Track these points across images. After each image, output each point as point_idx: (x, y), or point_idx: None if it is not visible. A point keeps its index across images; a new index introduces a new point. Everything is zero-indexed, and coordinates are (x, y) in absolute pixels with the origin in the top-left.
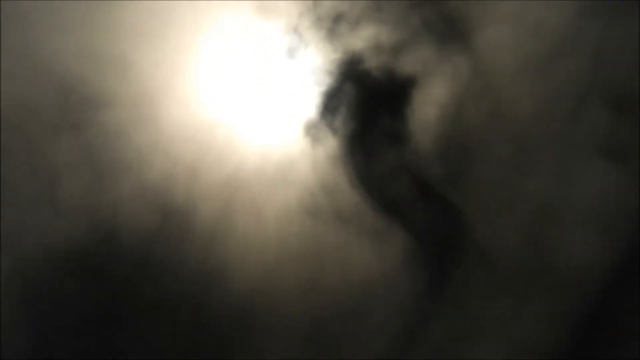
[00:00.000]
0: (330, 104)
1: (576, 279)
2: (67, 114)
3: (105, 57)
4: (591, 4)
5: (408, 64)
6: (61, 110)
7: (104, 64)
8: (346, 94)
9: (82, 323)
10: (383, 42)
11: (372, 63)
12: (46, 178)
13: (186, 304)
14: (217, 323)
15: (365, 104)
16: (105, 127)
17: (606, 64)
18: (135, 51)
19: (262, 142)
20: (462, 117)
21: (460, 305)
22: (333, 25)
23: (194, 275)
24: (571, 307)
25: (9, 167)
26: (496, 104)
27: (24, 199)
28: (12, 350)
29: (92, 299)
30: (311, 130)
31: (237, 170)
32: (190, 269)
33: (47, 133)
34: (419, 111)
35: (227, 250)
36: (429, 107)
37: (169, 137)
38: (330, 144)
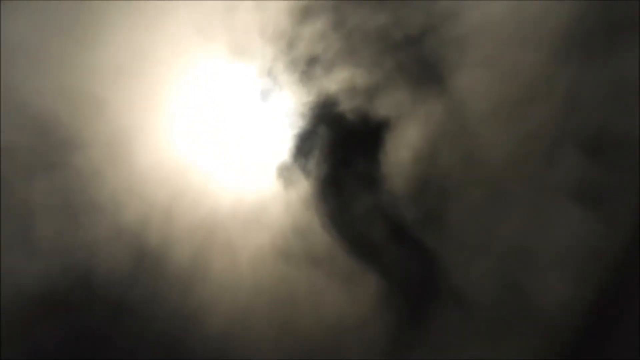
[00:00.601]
0: (304, 146)
1: (551, 321)
2: (42, 155)
3: (81, 97)
4: (565, 49)
5: (382, 107)
6: (36, 151)
7: (80, 104)
8: (320, 137)
9: None
10: (357, 85)
11: (346, 106)
12: (21, 219)
13: (162, 345)
14: None
15: (338, 146)
16: (81, 168)
17: (580, 108)
18: (110, 92)
19: (236, 185)
20: (436, 160)
21: (434, 348)
22: (307, 67)
23: (169, 317)
24: (546, 350)
25: None
26: (470, 148)
27: None
28: None
29: (67, 341)
30: (284, 173)
31: (211, 212)
32: (165, 311)
33: (23, 174)
34: (393, 154)
35: (202, 292)
36: (402, 150)
37: (144, 179)
38: (303, 186)
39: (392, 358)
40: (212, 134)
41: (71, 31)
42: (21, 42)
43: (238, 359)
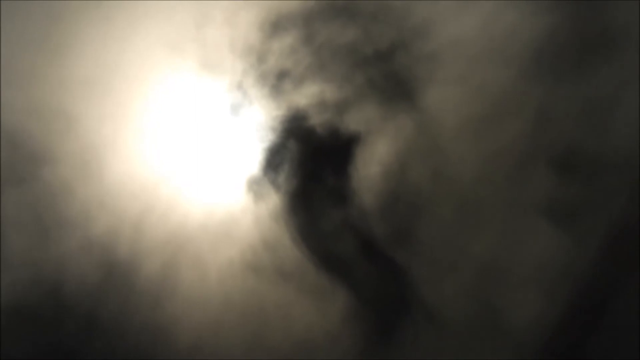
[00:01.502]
0: (273, 160)
1: (521, 337)
2: (12, 169)
3: (51, 111)
4: (536, 66)
5: (352, 122)
6: (6, 165)
7: (50, 119)
8: (289, 151)
9: None
10: (327, 100)
11: (316, 120)
12: None
13: (132, 357)
14: None
15: (308, 161)
16: (51, 182)
17: (551, 124)
18: (80, 106)
19: (206, 199)
20: (406, 175)
21: None
22: (277, 82)
23: (139, 331)
24: None
25: None
26: (441, 163)
27: None
28: None
29: (38, 353)
30: (254, 186)
31: (181, 226)
32: (135, 324)
33: None
34: (363, 169)
35: (171, 306)
36: (372, 165)
37: (114, 193)
38: (273, 200)
39: None
40: (182, 147)
41: (41, 45)
42: None
43: None
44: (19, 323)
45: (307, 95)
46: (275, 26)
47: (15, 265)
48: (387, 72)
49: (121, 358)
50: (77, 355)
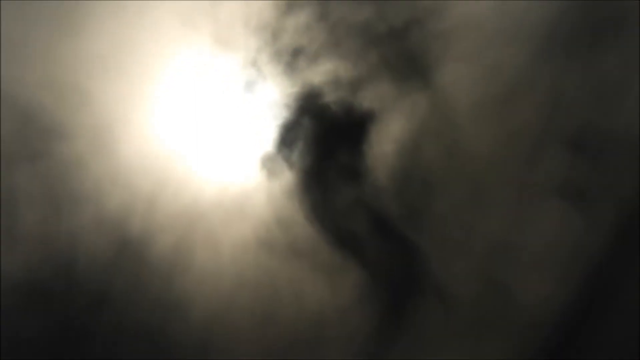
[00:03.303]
0: (288, 137)
1: (532, 318)
2: (26, 144)
3: (65, 87)
4: (549, 46)
5: (366, 100)
6: (20, 139)
7: (64, 94)
8: (303, 128)
9: (40, 353)
10: (342, 77)
11: (330, 98)
12: (4, 208)
13: (144, 333)
14: (175, 352)
15: (322, 138)
16: (64, 157)
17: (563, 105)
18: (95, 82)
19: (219, 175)
20: (419, 153)
21: (415, 342)
22: (292, 59)
23: (152, 305)
24: (527, 346)
25: None
26: (454, 142)
27: None
28: None
29: (50, 329)
30: (268, 163)
31: (194, 202)
32: (148, 299)
33: (6, 162)
34: (377, 147)
35: (184, 282)
36: (386, 143)
37: (128, 169)
38: (287, 178)
39: (373, 349)
40: (197, 124)
41: (56, 22)
42: (6, 34)
43: (220, 348)
44: (31, 297)
45: (321, 72)
46: (289, 3)
47: (29, 240)
48: (401, 50)
49: (133, 333)
50: (89, 330)
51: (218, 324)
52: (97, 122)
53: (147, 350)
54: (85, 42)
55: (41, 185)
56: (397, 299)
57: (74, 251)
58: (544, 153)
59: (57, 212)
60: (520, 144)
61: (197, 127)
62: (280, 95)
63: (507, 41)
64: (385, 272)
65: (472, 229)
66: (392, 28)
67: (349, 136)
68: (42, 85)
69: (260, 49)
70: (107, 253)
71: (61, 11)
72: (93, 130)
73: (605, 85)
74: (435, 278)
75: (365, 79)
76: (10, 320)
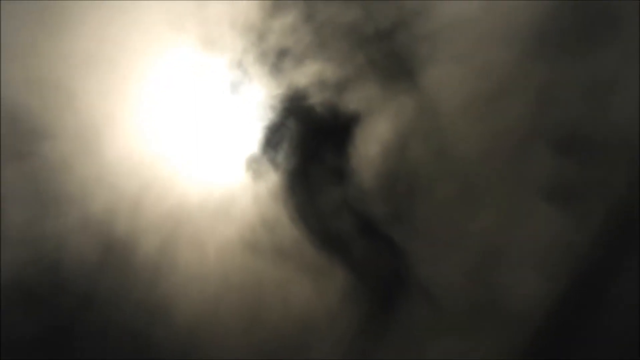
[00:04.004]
0: (273, 139)
1: (520, 317)
2: (10, 145)
3: (50, 87)
4: (538, 45)
5: (352, 101)
6: (5, 140)
7: (49, 94)
8: (289, 130)
9: (26, 354)
10: (327, 79)
11: (316, 99)
12: None
13: (130, 334)
14: (161, 353)
15: (308, 139)
16: (49, 158)
17: (552, 104)
18: (80, 82)
19: (205, 177)
20: (406, 155)
21: (402, 343)
22: (277, 60)
23: (137, 306)
24: (516, 342)
25: None
26: (441, 143)
27: None
28: None
29: (35, 331)
30: (253, 165)
31: (179, 204)
32: (133, 302)
33: None
34: (362, 148)
35: (169, 283)
36: (372, 144)
37: (113, 170)
38: (272, 179)
39: (361, 349)
40: (182, 125)
41: (41, 20)
42: None
43: (205, 350)
44: (18, 300)
45: (307, 74)
46: (276, 4)
47: (14, 241)
48: (387, 52)
49: (119, 334)
50: (75, 331)
51: (204, 325)
52: (82, 123)
53: (132, 351)
54: (70, 41)
55: (26, 187)
56: (384, 299)
57: (60, 252)
58: (533, 153)
59: (42, 213)
60: (509, 144)
61: (182, 129)
62: (265, 96)
63: (495, 41)
64: (372, 272)
65: (459, 230)
66: (379, 29)
67: (335, 137)
68: (27, 85)
69: (246, 50)
70: (92, 254)
71: (45, 10)
72: (78, 130)
73: (595, 85)
74: (422, 278)
75: (351, 80)
76: None
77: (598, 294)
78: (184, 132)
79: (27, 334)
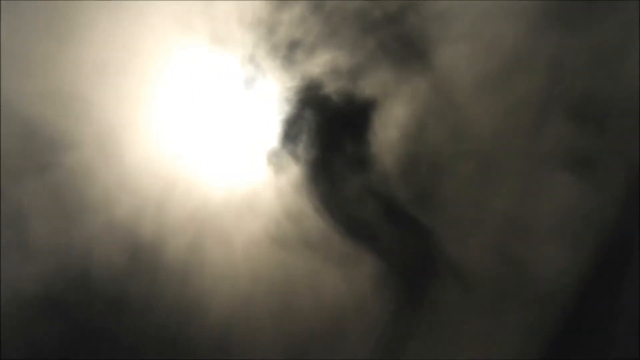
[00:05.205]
0: (291, 131)
1: (549, 290)
2: (31, 157)
3: (66, 96)
4: (545, 18)
5: (367, 87)
6: (25, 153)
7: (65, 104)
8: (307, 121)
9: None
10: (340, 67)
11: (330, 88)
12: (13, 223)
13: (164, 338)
14: (196, 353)
15: (326, 129)
16: (71, 168)
17: (564, 75)
18: (95, 89)
19: (227, 174)
20: (424, 137)
21: (434, 325)
22: (289, 52)
23: (169, 309)
24: (546, 319)
25: None
26: (458, 122)
27: None
28: None
29: (67, 341)
30: (273, 159)
31: (203, 203)
32: (165, 303)
33: (12, 177)
34: (381, 133)
35: (199, 283)
36: (390, 129)
37: (135, 174)
38: (294, 171)
39: (393, 335)
40: (200, 125)
41: (52, 30)
42: (3, 44)
43: (240, 347)
44: (48, 310)
45: (319, 63)
46: None
47: (41, 253)
48: (398, 34)
49: (152, 337)
50: (107, 338)
51: (236, 321)
52: (100, 130)
53: (167, 352)
54: (80, 50)
55: (50, 198)
56: (413, 283)
57: (88, 260)
58: (549, 124)
59: (67, 223)
60: (524, 117)
61: (200, 127)
62: (280, 89)
63: (504, 17)
64: (400, 257)
65: (482, 207)
66: (387, 13)
67: (353, 125)
68: (43, 97)
69: (257, 44)
70: (120, 260)
71: (56, 19)
72: (97, 138)
73: (604, 52)
74: (450, 258)
75: (364, 66)
76: (29, 334)
77: (625, 260)
78: (202, 132)
79: (61, 343)
